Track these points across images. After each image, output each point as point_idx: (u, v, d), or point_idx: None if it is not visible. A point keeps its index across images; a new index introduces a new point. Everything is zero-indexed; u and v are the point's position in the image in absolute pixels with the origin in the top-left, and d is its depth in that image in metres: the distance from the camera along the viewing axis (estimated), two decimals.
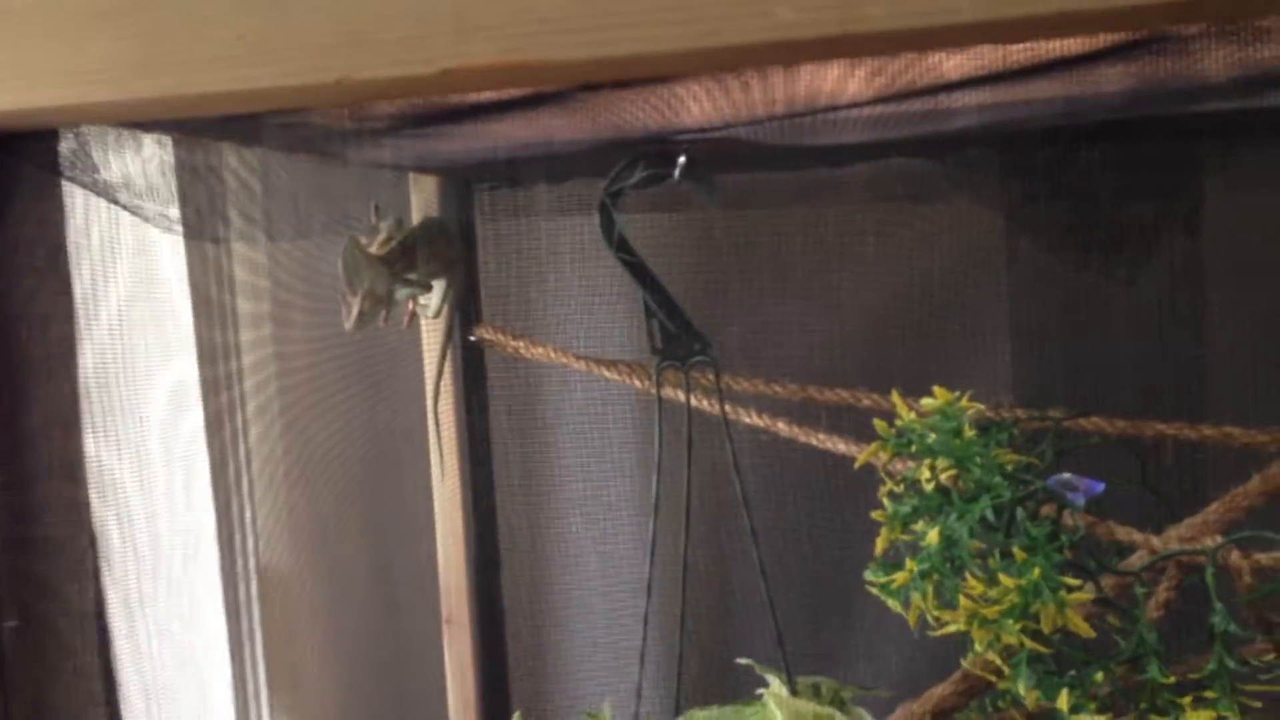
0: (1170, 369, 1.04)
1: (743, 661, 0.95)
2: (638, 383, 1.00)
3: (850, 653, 1.16)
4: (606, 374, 1.02)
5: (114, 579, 0.82)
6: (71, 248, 0.58)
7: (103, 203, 0.66)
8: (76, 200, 0.60)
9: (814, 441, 0.93)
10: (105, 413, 0.80)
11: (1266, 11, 0.40)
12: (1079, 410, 0.88)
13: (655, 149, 0.85)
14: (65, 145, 0.56)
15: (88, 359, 0.66)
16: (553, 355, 1.06)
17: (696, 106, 0.66)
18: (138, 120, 0.58)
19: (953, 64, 0.54)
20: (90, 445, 0.62)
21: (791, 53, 0.43)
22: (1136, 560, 0.77)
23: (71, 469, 0.60)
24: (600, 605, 1.23)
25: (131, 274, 0.85)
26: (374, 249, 0.92)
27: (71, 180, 0.57)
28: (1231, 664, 0.66)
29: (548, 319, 1.17)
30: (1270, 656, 0.71)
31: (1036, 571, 0.65)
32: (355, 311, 0.87)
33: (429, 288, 1.02)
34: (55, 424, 0.59)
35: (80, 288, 0.60)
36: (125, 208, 0.67)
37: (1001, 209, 1.04)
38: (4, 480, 0.58)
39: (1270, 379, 1.03)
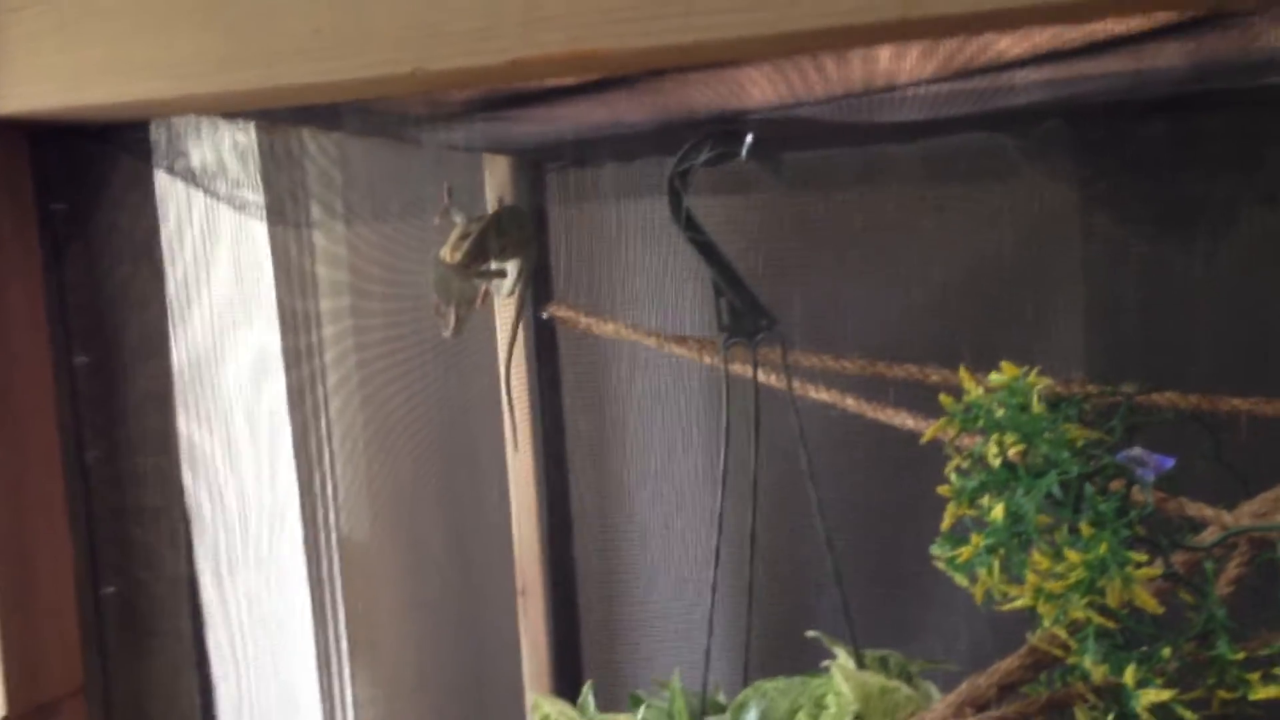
0: (1244, 343, 1.02)
1: (811, 634, 0.96)
2: (706, 358, 1.01)
3: (917, 627, 1.16)
4: (675, 349, 1.03)
5: (205, 548, 0.85)
6: (164, 232, 0.61)
7: (192, 189, 0.69)
8: (168, 187, 0.62)
9: (881, 417, 0.93)
10: (194, 390, 0.83)
11: None
12: (1151, 385, 0.87)
13: (722, 129, 0.86)
14: (157, 135, 0.59)
15: (179, 339, 0.68)
16: (623, 331, 1.07)
17: (762, 87, 0.66)
18: (223, 111, 0.60)
19: (1014, 40, 0.54)
20: (181, 421, 0.66)
21: (850, 38, 0.44)
22: (1208, 536, 0.76)
23: (165, 443, 0.63)
24: (670, 577, 1.24)
25: (219, 258, 0.88)
26: (451, 249, 0.95)
27: (163, 168, 0.60)
28: None
29: (618, 297, 1.18)
30: None
31: (1104, 546, 0.65)
32: (453, 320, 0.91)
33: (505, 274, 1.05)
34: (150, 400, 0.62)
35: (172, 271, 0.63)
36: (212, 194, 0.70)
37: (1071, 183, 1.03)
38: (101, 454, 0.62)
39: None
